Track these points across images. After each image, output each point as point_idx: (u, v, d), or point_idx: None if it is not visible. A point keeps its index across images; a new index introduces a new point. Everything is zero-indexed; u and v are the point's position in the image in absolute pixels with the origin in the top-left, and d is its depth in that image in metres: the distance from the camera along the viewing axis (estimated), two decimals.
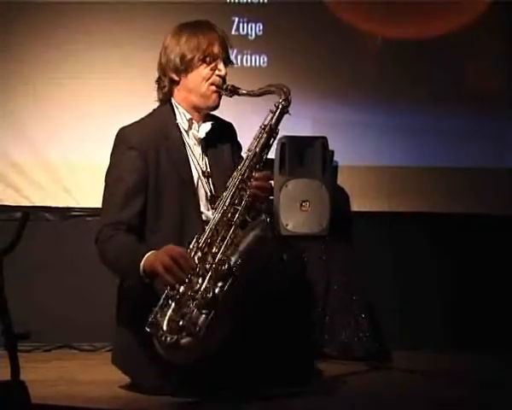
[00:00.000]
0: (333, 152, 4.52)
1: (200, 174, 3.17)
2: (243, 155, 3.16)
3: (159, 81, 3.23)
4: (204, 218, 3.14)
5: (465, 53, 4.83)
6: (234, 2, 4.73)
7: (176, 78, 3.18)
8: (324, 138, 4.46)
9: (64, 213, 4.63)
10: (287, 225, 4.32)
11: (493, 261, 4.68)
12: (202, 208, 3.16)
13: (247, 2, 4.74)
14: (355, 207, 4.76)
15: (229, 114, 3.35)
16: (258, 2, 4.74)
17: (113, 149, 3.16)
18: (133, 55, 4.60)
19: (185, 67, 3.15)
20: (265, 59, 4.75)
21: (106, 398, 3.06)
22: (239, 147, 3.34)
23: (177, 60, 3.15)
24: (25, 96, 4.61)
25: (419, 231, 4.73)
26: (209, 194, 3.16)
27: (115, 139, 3.17)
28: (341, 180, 4.71)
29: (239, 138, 3.38)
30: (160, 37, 3.30)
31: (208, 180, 3.17)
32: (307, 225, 4.35)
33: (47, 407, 2.66)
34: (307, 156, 4.46)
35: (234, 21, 4.70)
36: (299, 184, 4.39)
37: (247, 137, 3.24)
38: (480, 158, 4.79)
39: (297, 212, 4.36)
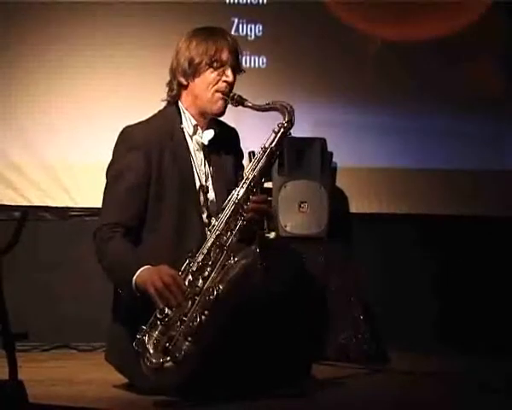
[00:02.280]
0: (332, 153, 4.53)
1: (202, 181, 3.17)
2: (244, 162, 3.16)
3: (170, 84, 3.23)
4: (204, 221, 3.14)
5: (465, 54, 4.83)
6: (233, 2, 4.74)
7: (184, 82, 3.17)
8: (323, 140, 4.47)
9: (63, 213, 4.64)
10: (285, 227, 4.32)
11: (490, 263, 4.68)
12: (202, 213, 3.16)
13: (246, 3, 4.75)
14: (353, 208, 4.77)
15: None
16: (258, 3, 4.75)
17: (115, 147, 3.15)
18: (133, 56, 4.60)
19: (193, 71, 3.14)
20: (265, 60, 4.75)
21: (104, 398, 3.05)
22: (241, 154, 3.35)
23: (186, 64, 3.14)
24: (24, 96, 4.61)
25: (418, 233, 4.73)
26: (209, 201, 3.16)
27: (119, 137, 3.15)
28: (340, 182, 4.70)
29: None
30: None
31: (206, 194, 3.17)
32: (306, 226, 4.35)
33: (45, 407, 2.67)
34: (306, 157, 4.46)
35: (233, 22, 4.70)
36: (297, 186, 4.39)
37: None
38: (480, 160, 4.79)
39: (295, 213, 4.36)
